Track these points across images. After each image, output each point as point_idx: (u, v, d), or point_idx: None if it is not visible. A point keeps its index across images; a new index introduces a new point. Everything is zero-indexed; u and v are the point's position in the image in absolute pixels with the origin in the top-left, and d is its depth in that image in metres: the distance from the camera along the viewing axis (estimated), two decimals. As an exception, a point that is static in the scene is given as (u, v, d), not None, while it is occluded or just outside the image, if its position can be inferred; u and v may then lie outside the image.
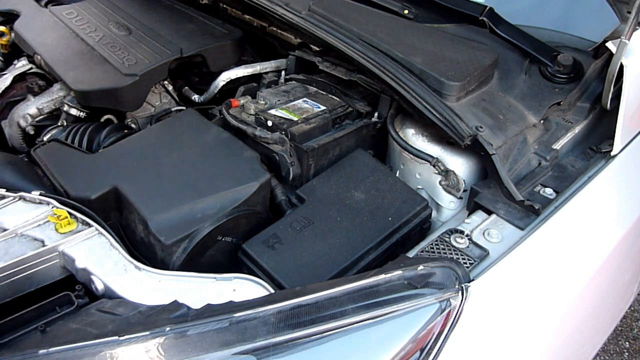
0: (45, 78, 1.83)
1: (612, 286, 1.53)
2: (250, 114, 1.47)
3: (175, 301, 0.88)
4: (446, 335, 0.91)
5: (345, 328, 0.82)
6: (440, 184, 1.38)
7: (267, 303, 0.83)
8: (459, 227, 1.17)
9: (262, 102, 1.52)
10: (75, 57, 1.70)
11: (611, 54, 1.36)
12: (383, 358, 0.83)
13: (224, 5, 2.04)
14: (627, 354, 2.54)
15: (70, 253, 1.04)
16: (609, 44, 1.41)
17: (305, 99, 1.56)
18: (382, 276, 0.89)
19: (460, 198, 1.38)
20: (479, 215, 1.22)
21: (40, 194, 1.13)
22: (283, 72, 1.76)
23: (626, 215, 1.37)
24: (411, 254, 1.11)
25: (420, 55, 1.40)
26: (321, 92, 1.62)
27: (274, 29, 1.88)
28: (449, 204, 1.40)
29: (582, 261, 1.23)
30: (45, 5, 2.05)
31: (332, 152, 1.45)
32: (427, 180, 1.42)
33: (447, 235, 1.14)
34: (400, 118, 1.49)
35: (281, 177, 1.37)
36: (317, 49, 1.71)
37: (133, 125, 1.70)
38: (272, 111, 1.46)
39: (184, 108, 1.59)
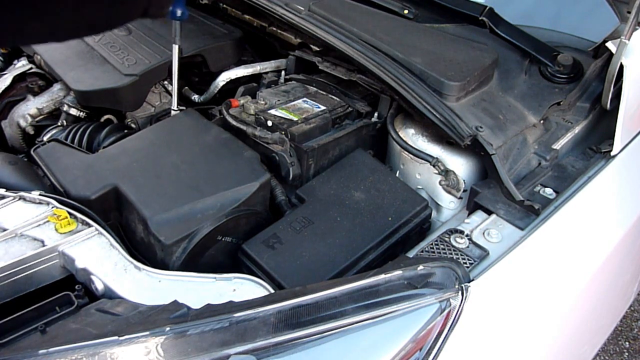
0: (45, 78, 1.83)
1: (612, 286, 1.53)
2: (250, 114, 1.47)
3: (175, 301, 0.88)
4: (446, 335, 0.91)
5: (345, 328, 0.82)
6: (440, 184, 1.38)
7: (267, 303, 0.83)
8: (459, 227, 1.17)
9: (262, 102, 1.52)
10: (75, 57, 1.70)
11: (611, 54, 1.36)
12: (383, 358, 0.83)
13: (224, 5, 2.04)
14: (627, 354, 2.54)
15: (70, 253, 1.04)
16: (609, 44, 1.41)
17: (305, 99, 1.56)
18: (382, 276, 0.89)
19: (460, 198, 1.38)
20: (479, 215, 1.22)
21: (40, 194, 1.13)
22: (283, 72, 1.76)
23: (626, 215, 1.37)
24: (411, 254, 1.11)
25: (420, 55, 1.40)
26: (321, 92, 1.62)
27: (274, 29, 1.88)
28: (449, 204, 1.40)
29: (582, 261, 1.23)
30: (45, 5, 2.05)
31: (332, 152, 1.45)
32: (427, 180, 1.42)
33: (447, 235, 1.14)
34: (400, 118, 1.49)
35: (281, 177, 1.37)
36: (317, 49, 1.71)
37: (133, 125, 1.70)
38: (272, 111, 1.46)
39: (184, 108, 1.59)
